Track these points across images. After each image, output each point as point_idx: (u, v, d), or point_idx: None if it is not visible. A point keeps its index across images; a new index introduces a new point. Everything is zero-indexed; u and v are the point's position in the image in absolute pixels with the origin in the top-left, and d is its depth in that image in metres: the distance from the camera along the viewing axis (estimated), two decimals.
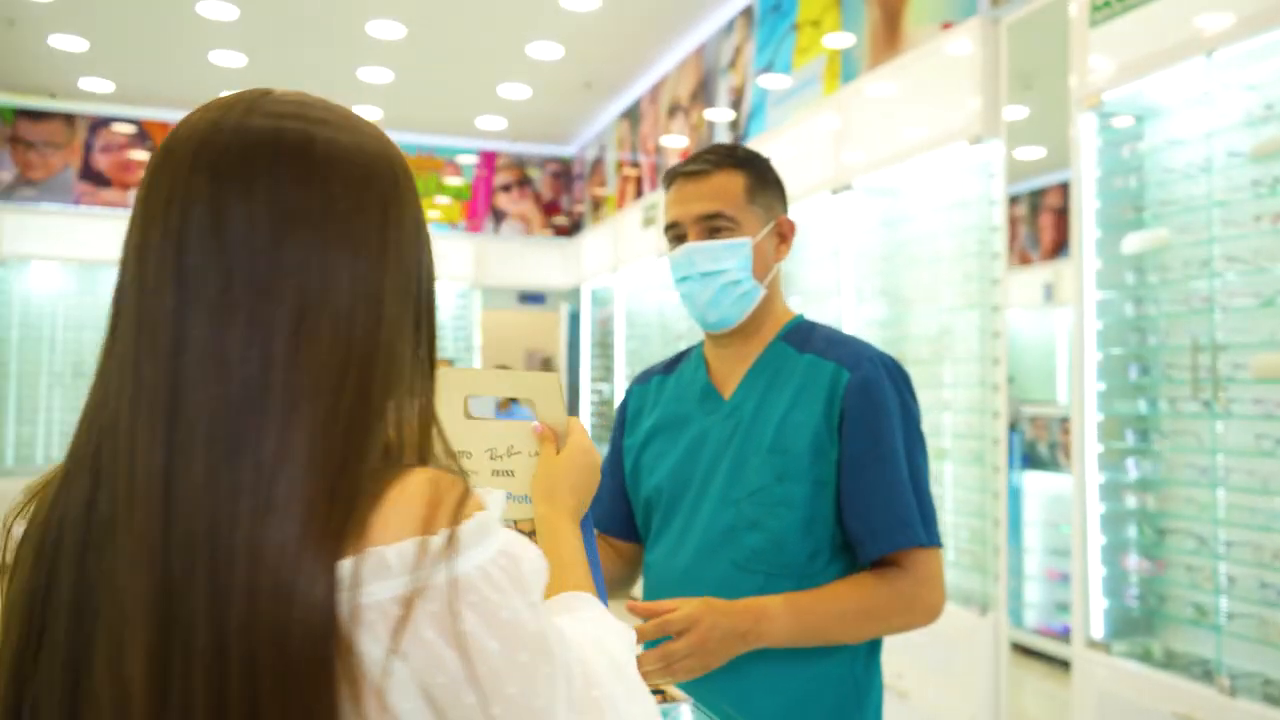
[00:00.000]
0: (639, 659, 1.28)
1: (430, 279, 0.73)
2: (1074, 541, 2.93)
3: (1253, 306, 2.53)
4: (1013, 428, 5.99)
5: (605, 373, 7.60)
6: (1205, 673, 2.55)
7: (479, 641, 0.60)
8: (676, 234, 1.57)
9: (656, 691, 1.26)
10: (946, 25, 3.63)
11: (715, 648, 1.32)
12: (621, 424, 1.74)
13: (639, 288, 6.94)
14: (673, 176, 1.59)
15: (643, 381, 1.74)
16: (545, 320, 8.90)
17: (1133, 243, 2.83)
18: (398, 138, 7.75)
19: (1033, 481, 5.46)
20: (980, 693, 3.23)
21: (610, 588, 1.52)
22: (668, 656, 1.30)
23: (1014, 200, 7.12)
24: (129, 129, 7.78)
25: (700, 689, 1.42)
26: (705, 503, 1.55)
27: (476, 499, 0.65)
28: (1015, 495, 5.42)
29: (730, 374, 1.60)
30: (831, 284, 4.30)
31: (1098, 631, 2.85)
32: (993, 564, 3.31)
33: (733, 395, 1.57)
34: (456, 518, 0.63)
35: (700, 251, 1.52)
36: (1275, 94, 2.50)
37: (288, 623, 0.59)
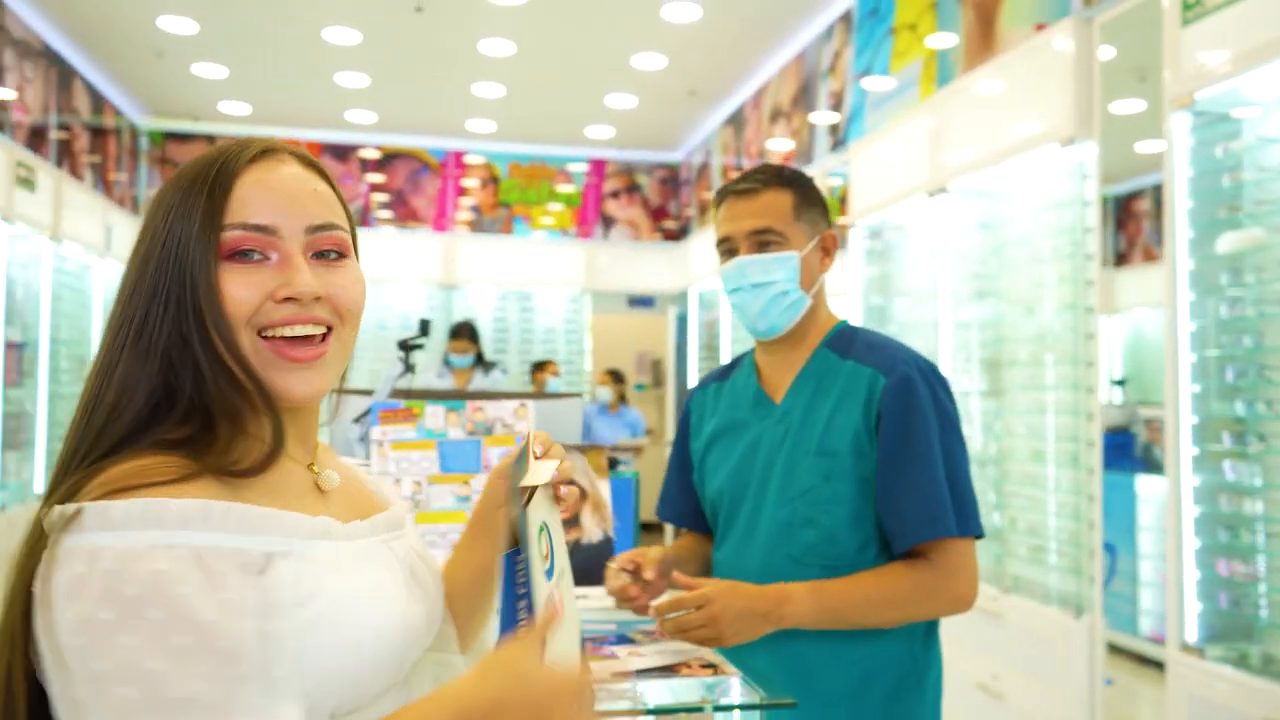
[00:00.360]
0: (664, 620, 1.46)
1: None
2: (1168, 545, 2.90)
3: None
4: (1126, 430, 5.87)
5: None
6: None
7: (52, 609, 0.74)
8: (728, 248, 1.70)
9: (708, 665, 1.39)
10: (1040, 27, 3.62)
11: (730, 623, 1.45)
12: (685, 429, 1.88)
13: None
14: (724, 195, 1.72)
15: (702, 388, 1.88)
16: (654, 323, 9.07)
17: (1227, 243, 2.80)
18: (510, 148, 8.11)
19: (1148, 486, 5.33)
20: (1075, 696, 3.23)
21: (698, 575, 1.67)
22: (681, 623, 1.45)
23: (1138, 195, 6.97)
24: (271, 139, 8.29)
25: (761, 665, 1.55)
26: (765, 503, 1.67)
27: (150, 492, 0.77)
28: (1130, 500, 5.32)
29: (780, 380, 1.72)
30: (929, 286, 4.32)
31: (1192, 635, 2.82)
32: (1088, 567, 3.29)
33: (783, 400, 1.70)
34: (100, 496, 0.77)
35: (751, 264, 1.65)
36: None
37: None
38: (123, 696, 0.71)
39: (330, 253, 0.91)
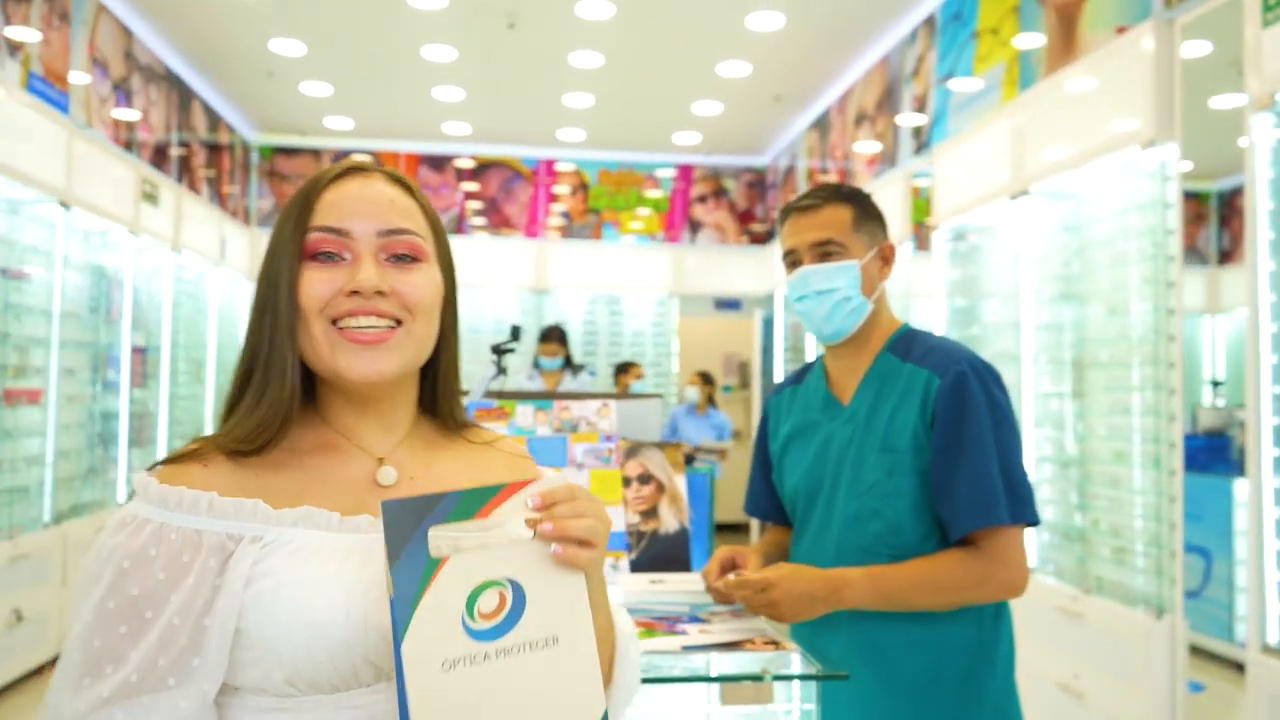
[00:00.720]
0: (732, 582, 1.63)
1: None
2: (1249, 546, 2.90)
3: None
4: (1223, 433, 5.73)
5: None
6: None
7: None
8: (792, 260, 1.82)
9: (771, 642, 1.52)
10: (1121, 29, 3.63)
11: (791, 605, 1.59)
12: (765, 431, 2.02)
13: None
14: (787, 212, 1.85)
15: (778, 393, 2.02)
16: (740, 326, 9.16)
17: None
18: (599, 156, 8.31)
19: (1245, 489, 5.21)
20: (1156, 698, 3.23)
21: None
22: (746, 601, 1.62)
23: (1237, 193, 6.77)
24: (364, 159, 8.68)
25: (836, 652, 1.68)
26: (837, 497, 1.79)
27: (160, 470, 0.95)
28: (1227, 503, 5.21)
29: (847, 383, 1.84)
30: (1012, 288, 4.34)
31: (1273, 637, 2.82)
32: (1169, 568, 3.29)
33: (850, 402, 1.82)
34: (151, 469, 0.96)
35: (816, 273, 1.77)
36: None
37: None
38: (72, 636, 0.89)
39: (405, 256, 1.00)
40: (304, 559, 0.91)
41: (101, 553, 0.91)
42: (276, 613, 0.88)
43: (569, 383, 5.95)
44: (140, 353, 6.16)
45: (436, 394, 1.08)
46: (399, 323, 0.98)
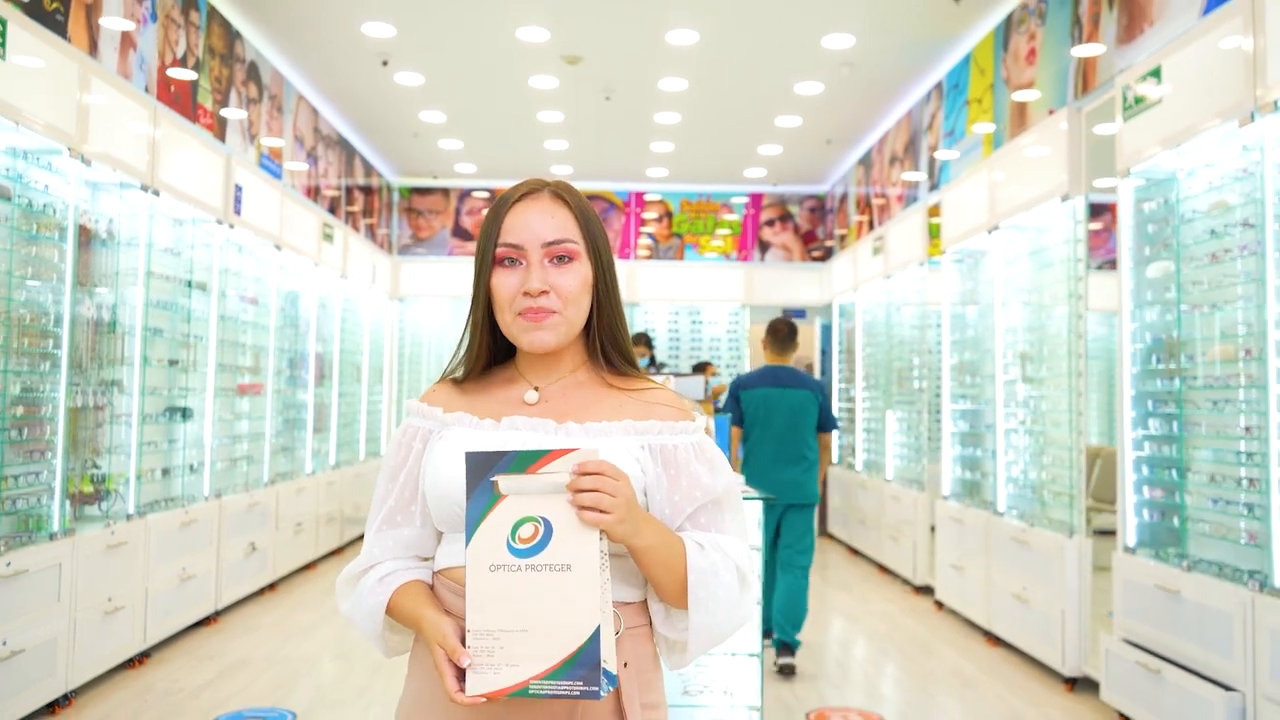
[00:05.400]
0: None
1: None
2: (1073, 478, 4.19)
3: None
4: None
5: (850, 372, 9.12)
6: None
7: None
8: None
9: None
10: (1051, 112, 4.95)
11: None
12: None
13: (870, 304, 8.44)
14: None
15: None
16: (805, 332, 10.51)
17: (1154, 270, 4.08)
18: (681, 188, 9.94)
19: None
20: (1070, 594, 4.52)
21: None
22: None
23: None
24: (485, 195, 10.37)
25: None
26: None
27: (418, 398, 1.40)
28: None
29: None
30: (989, 299, 5.65)
31: (1131, 540, 4.10)
32: (1079, 501, 4.58)
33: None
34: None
35: None
36: None
37: None
38: (376, 486, 1.40)
39: (561, 258, 1.30)
40: (448, 445, 1.30)
41: (390, 444, 1.37)
42: (429, 476, 1.29)
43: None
44: (319, 358, 7.87)
45: (598, 347, 1.37)
46: (554, 312, 1.29)
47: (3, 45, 3.57)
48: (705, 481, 1.29)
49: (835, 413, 9.33)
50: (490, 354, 1.36)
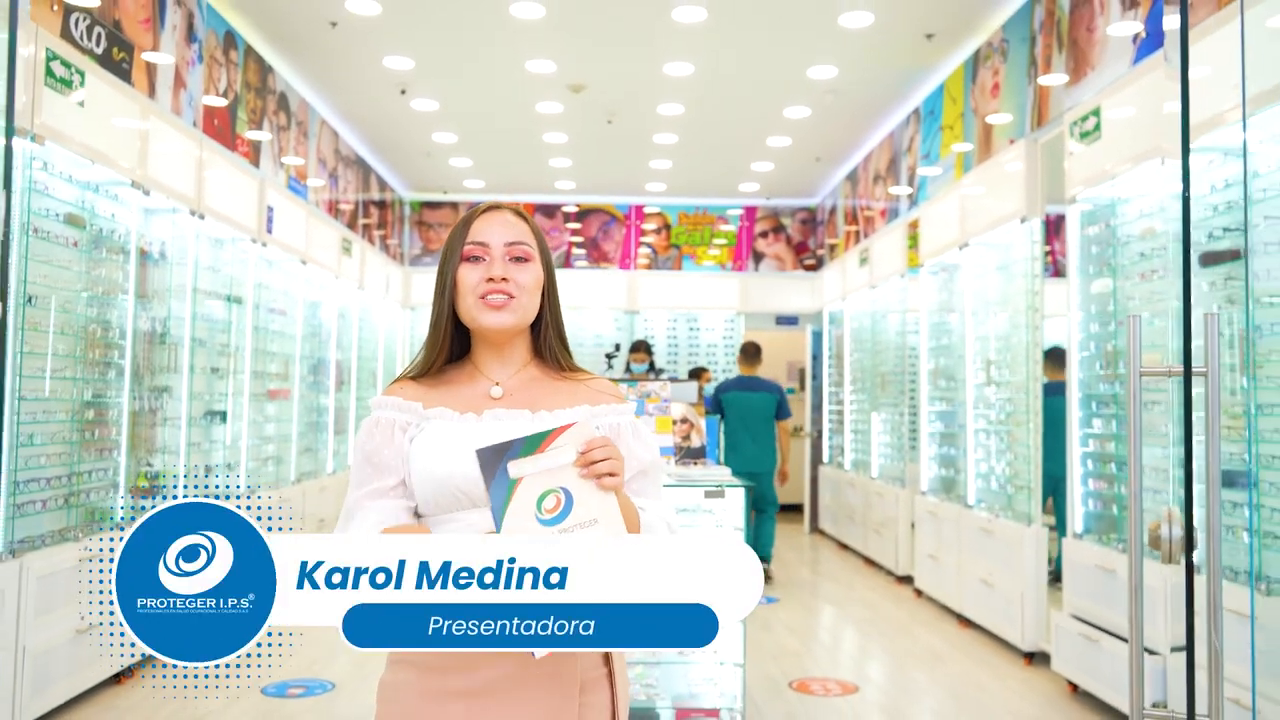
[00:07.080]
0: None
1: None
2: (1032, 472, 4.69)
3: None
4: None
5: (839, 376, 9.63)
6: None
7: None
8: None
9: (718, 491, 3.49)
10: (1012, 141, 5.46)
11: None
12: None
13: (858, 311, 8.95)
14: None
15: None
16: (797, 338, 11.04)
17: (1096, 285, 4.59)
18: (679, 201, 10.56)
19: None
20: (1029, 577, 5.02)
21: None
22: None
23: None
24: (498, 200, 10.87)
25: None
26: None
27: (382, 393, 1.55)
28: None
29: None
30: (961, 309, 6.15)
31: (1079, 527, 4.60)
32: (1036, 493, 5.08)
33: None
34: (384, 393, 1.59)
35: None
36: None
37: None
38: (352, 468, 1.55)
39: (519, 258, 1.54)
40: (433, 435, 1.49)
41: (362, 432, 1.53)
42: (420, 460, 1.47)
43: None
44: (338, 365, 8.37)
45: (541, 344, 1.60)
46: (513, 297, 1.52)
47: (83, 92, 4.08)
48: (639, 454, 1.53)
49: (825, 412, 9.83)
50: (451, 347, 1.57)
